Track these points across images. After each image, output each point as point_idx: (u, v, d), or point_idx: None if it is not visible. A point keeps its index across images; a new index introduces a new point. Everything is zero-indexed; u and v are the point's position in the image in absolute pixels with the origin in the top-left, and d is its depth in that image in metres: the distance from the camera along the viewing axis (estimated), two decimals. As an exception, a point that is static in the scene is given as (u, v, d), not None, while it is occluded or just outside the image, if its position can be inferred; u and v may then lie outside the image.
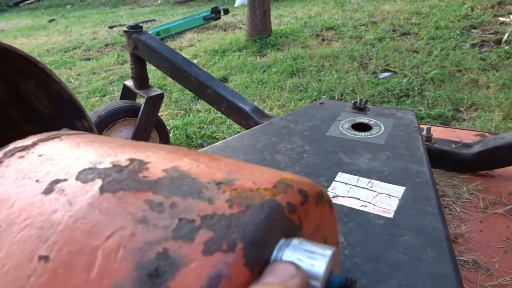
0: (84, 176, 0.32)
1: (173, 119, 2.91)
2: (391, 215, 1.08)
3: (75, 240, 0.27)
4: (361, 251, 0.97)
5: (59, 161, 0.34)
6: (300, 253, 0.26)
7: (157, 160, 0.34)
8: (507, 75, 2.91)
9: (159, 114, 2.19)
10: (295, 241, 0.27)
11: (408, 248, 0.97)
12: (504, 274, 1.15)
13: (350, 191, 1.17)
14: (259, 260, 0.25)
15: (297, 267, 0.25)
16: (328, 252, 0.27)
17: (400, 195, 1.14)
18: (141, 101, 2.13)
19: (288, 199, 0.30)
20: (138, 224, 0.27)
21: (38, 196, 0.30)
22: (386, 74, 3.29)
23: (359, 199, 1.14)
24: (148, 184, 0.30)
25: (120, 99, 2.24)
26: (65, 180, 0.31)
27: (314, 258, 0.26)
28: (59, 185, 0.31)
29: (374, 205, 1.11)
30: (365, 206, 1.11)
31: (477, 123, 2.39)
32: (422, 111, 2.61)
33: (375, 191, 1.16)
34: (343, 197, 1.15)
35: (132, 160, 0.33)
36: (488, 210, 1.40)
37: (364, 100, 1.61)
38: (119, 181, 0.31)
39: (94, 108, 2.92)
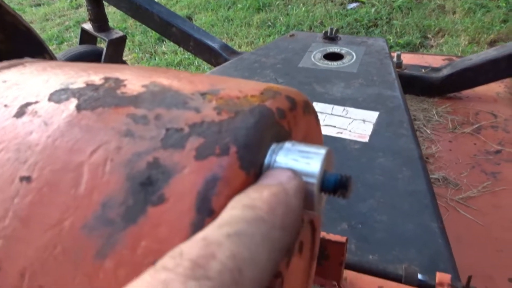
0: (57, 97, 0.29)
1: (138, 63, 2.80)
2: (366, 140, 1.10)
3: (57, 159, 0.25)
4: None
5: (27, 85, 0.32)
6: (295, 153, 0.26)
7: (134, 77, 0.32)
8: (472, 0, 2.91)
9: (123, 58, 2.09)
10: (287, 144, 0.27)
11: (384, 169, 1.01)
12: (472, 187, 1.22)
13: (325, 119, 1.18)
14: (253, 163, 0.25)
15: (294, 171, 0.25)
16: (322, 151, 0.26)
17: (374, 120, 1.16)
18: (102, 45, 2.02)
19: (277, 104, 0.29)
20: (123, 137, 0.25)
21: (10, 120, 0.28)
22: (354, 4, 3.22)
23: (335, 126, 1.15)
24: (128, 100, 0.28)
25: (80, 44, 2.11)
26: (36, 102, 0.29)
27: (309, 157, 0.26)
28: (30, 108, 0.29)
29: (349, 131, 1.13)
30: (341, 133, 1.13)
31: (445, 48, 2.42)
32: (391, 40, 2.60)
33: (350, 117, 1.18)
34: (320, 126, 1.16)
35: (107, 79, 0.31)
36: (457, 130, 1.45)
37: (334, 29, 1.58)
38: (96, 98, 0.29)
39: (53, 56, 2.75)
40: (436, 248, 0.84)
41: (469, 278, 0.71)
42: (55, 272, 0.22)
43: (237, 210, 0.20)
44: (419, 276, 0.74)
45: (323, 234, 0.68)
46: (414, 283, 0.72)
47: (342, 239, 0.67)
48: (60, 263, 0.22)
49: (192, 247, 0.18)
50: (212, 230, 0.19)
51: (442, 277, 0.72)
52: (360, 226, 0.88)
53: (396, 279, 0.73)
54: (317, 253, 0.42)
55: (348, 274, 0.72)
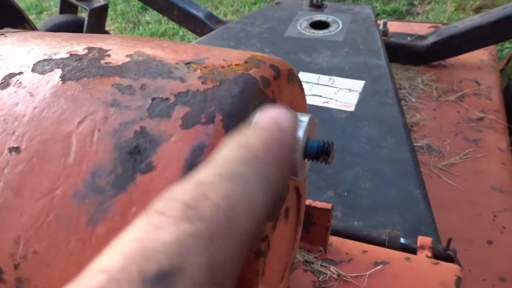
0: (41, 67, 0.29)
1: (121, 33, 2.74)
2: (352, 109, 1.11)
3: (45, 129, 0.26)
4: (325, 144, 1.01)
5: (9, 56, 0.31)
6: (278, 121, 0.26)
7: (118, 47, 0.32)
8: (460, -35, 2.88)
9: (106, 29, 2.04)
10: (272, 112, 0.27)
11: (369, 138, 1.03)
12: (455, 154, 1.25)
13: (312, 89, 1.19)
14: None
15: (287, 108, 0.23)
16: (305, 118, 0.27)
17: (360, 89, 1.16)
18: (83, 15, 1.96)
19: (261, 73, 0.29)
20: (110, 107, 0.26)
21: (-6, 92, 0.28)
22: (341, -30, 3.16)
23: (321, 96, 1.16)
24: (113, 70, 0.28)
25: (60, 13, 2.05)
26: (20, 73, 0.29)
27: (293, 124, 0.26)
28: (14, 79, 0.29)
29: (336, 100, 1.14)
30: (327, 102, 1.14)
31: (431, 15, 2.41)
32: (378, 7, 2.58)
33: (336, 87, 1.18)
34: (305, 95, 1.16)
35: (90, 49, 0.31)
36: (441, 99, 1.47)
37: (321, -4, 1.56)
38: (81, 69, 0.29)
39: (32, 27, 2.67)
40: (419, 214, 0.87)
41: (449, 240, 0.75)
42: (49, 238, 0.23)
43: (229, 149, 0.20)
44: (402, 240, 0.77)
45: (309, 201, 0.70)
46: (396, 247, 0.75)
47: (328, 206, 0.69)
48: (53, 230, 0.23)
49: (184, 189, 0.17)
50: (204, 171, 0.18)
51: (423, 240, 0.75)
52: (346, 193, 0.90)
53: (380, 243, 0.76)
54: (303, 219, 0.43)
55: (333, 239, 0.75)
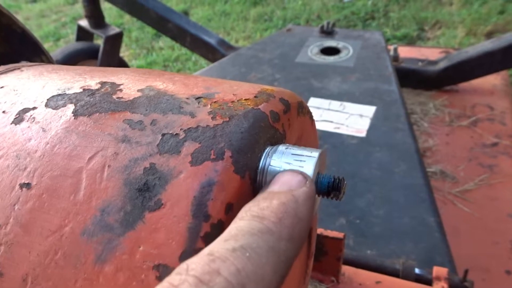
0: (55, 102, 0.30)
1: (135, 59, 2.80)
2: (363, 134, 1.11)
3: (56, 165, 0.26)
4: (337, 170, 1.00)
5: (24, 90, 0.32)
6: (288, 157, 0.26)
7: (130, 81, 0.32)
8: (469, -10, 2.90)
9: (120, 55, 2.09)
10: (281, 147, 0.27)
11: (381, 164, 1.02)
12: (469, 180, 1.23)
13: (323, 114, 1.19)
14: (248, 166, 0.25)
15: (305, 175, 0.24)
16: (315, 154, 0.27)
17: (371, 115, 1.16)
18: (99, 42, 2.02)
19: (271, 107, 0.29)
20: (120, 143, 0.26)
21: (8, 127, 0.29)
22: (351, -3, 3.21)
23: (332, 121, 1.16)
24: (125, 105, 0.29)
25: (76, 41, 2.11)
26: (34, 108, 0.30)
27: (302, 160, 0.26)
28: (28, 114, 0.29)
29: (347, 126, 1.13)
30: (338, 128, 1.14)
31: (442, 40, 2.42)
32: (388, 33, 2.60)
33: (347, 112, 1.18)
34: (316, 121, 1.16)
35: (103, 83, 0.32)
36: (454, 124, 1.46)
37: (331, 23, 1.58)
38: (93, 104, 0.29)
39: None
40: (433, 242, 0.85)
41: (466, 271, 0.72)
42: (57, 276, 0.23)
43: (244, 222, 0.20)
44: (416, 270, 0.75)
45: (321, 230, 0.69)
46: (411, 278, 0.73)
47: (340, 235, 0.68)
48: (61, 268, 0.23)
49: (197, 262, 0.18)
50: (218, 244, 0.19)
51: (439, 271, 0.73)
52: (358, 221, 0.89)
53: (394, 273, 0.74)
54: (314, 251, 0.42)
55: (346, 269, 0.73)
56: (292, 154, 0.27)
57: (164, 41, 2.94)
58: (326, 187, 0.27)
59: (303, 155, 0.26)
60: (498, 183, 1.21)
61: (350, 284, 0.71)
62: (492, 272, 0.98)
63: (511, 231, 1.08)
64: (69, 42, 3.10)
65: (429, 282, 0.72)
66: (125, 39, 3.01)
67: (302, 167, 0.26)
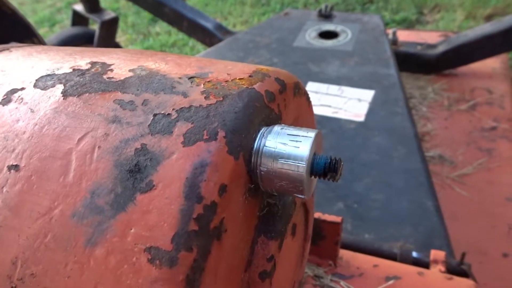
0: (43, 83, 0.29)
1: (132, 44, 2.77)
2: (362, 119, 1.10)
3: (45, 147, 0.25)
4: (335, 154, 1.00)
5: (12, 71, 0.31)
6: (283, 137, 0.26)
7: (121, 61, 0.31)
8: (470, -27, 2.86)
9: (116, 40, 2.06)
10: (276, 128, 0.27)
11: (379, 148, 1.01)
12: (467, 164, 1.22)
13: (321, 99, 1.18)
14: (242, 147, 0.25)
15: None
16: (311, 134, 0.26)
17: (370, 99, 1.15)
18: (95, 27, 1.99)
19: (266, 87, 0.28)
20: (111, 123, 0.25)
21: (-5, 108, 0.28)
22: (350, -20, 3.17)
23: (330, 106, 1.15)
24: (115, 85, 0.28)
25: (72, 26, 2.08)
26: (22, 89, 0.29)
27: (298, 141, 0.25)
28: (16, 95, 0.28)
29: (345, 110, 1.13)
30: (337, 113, 1.13)
31: (441, 24, 2.39)
32: (387, 17, 2.57)
33: (345, 97, 1.17)
34: (314, 105, 1.15)
35: (93, 63, 0.31)
36: (452, 108, 1.45)
37: (329, 6, 1.56)
38: (83, 84, 0.28)
39: (44, 39, 2.71)
40: (431, 226, 0.85)
41: (463, 254, 0.72)
42: (47, 260, 0.23)
43: None
44: (414, 254, 0.75)
45: (318, 214, 0.68)
46: (409, 261, 0.73)
47: (338, 219, 0.68)
48: (51, 251, 0.23)
49: None
50: None
51: (436, 254, 0.73)
52: (356, 205, 0.89)
53: (391, 257, 0.74)
54: (311, 234, 0.42)
55: (344, 253, 0.73)
56: (288, 134, 0.26)
57: (161, 26, 2.90)
58: (323, 168, 0.26)
59: (299, 135, 0.26)
60: (497, 167, 1.21)
61: (348, 268, 0.71)
62: (490, 255, 0.98)
63: (509, 214, 1.08)
64: (64, 28, 3.06)
65: (426, 265, 0.72)
66: (121, 24, 2.98)
67: (298, 147, 0.25)
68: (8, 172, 0.25)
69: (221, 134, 0.24)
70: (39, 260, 0.23)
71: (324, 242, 0.69)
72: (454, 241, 0.86)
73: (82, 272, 0.22)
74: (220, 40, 1.80)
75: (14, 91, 0.29)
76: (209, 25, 1.89)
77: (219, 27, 1.92)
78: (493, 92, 1.50)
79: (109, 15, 1.92)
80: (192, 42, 2.61)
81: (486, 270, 0.95)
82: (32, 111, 0.27)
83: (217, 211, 0.22)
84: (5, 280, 0.23)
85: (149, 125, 0.25)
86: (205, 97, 0.26)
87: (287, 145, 0.25)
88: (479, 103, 1.46)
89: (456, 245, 0.85)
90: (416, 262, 0.73)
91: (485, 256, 0.98)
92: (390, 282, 0.68)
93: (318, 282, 0.68)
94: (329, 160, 0.26)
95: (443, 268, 0.71)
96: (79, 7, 1.98)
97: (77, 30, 1.96)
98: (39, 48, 0.36)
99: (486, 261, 0.97)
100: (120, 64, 0.31)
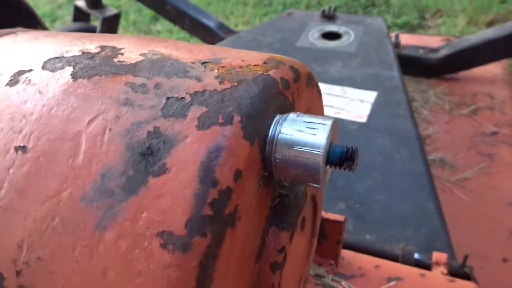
0: (52, 65, 0.28)
1: (133, 42, 2.76)
2: (364, 120, 1.09)
3: (53, 128, 0.24)
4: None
5: (20, 53, 0.30)
6: (300, 124, 0.25)
7: (131, 46, 0.31)
8: (472, -21, 2.87)
9: (117, 36, 2.05)
10: (292, 115, 0.26)
11: (382, 149, 1.00)
12: (468, 168, 1.22)
13: (323, 99, 1.17)
14: (258, 133, 0.24)
15: None
16: (328, 121, 0.25)
17: (372, 100, 1.15)
18: (96, 23, 1.98)
19: (281, 74, 0.28)
20: (122, 106, 0.24)
21: (2, 89, 0.27)
22: (352, -17, 3.17)
23: (332, 106, 1.14)
24: (126, 68, 0.27)
25: (73, 21, 2.07)
26: (30, 70, 0.28)
27: (315, 128, 0.25)
28: (24, 76, 0.28)
29: (347, 111, 1.12)
30: (339, 113, 1.12)
31: (442, 29, 2.40)
32: (389, 20, 2.57)
33: (348, 97, 1.16)
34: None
35: (103, 47, 0.30)
36: (454, 112, 1.45)
37: (333, 7, 1.56)
38: (93, 67, 0.27)
39: (45, 35, 2.69)
40: (433, 228, 0.85)
41: (465, 257, 0.72)
42: (54, 244, 0.22)
43: None
44: (416, 255, 0.74)
45: (321, 213, 0.68)
46: (410, 263, 0.73)
47: (341, 218, 0.67)
48: (59, 235, 0.22)
49: None
50: None
51: (438, 256, 0.73)
52: (357, 206, 0.88)
53: (393, 258, 0.74)
54: (318, 230, 0.41)
55: (345, 253, 0.72)
56: (304, 121, 0.25)
57: (162, 25, 2.90)
58: (339, 157, 0.25)
59: (316, 123, 0.25)
60: (497, 171, 1.21)
61: (349, 268, 0.70)
62: (490, 259, 0.98)
63: (509, 219, 1.07)
64: (65, 24, 3.05)
65: (428, 267, 0.72)
66: (122, 21, 2.97)
67: (315, 135, 0.24)
68: (15, 153, 0.24)
69: (237, 118, 0.23)
70: (46, 244, 0.22)
71: (326, 241, 0.69)
72: (455, 245, 0.86)
73: (91, 256, 0.21)
74: (222, 39, 1.79)
75: (21, 72, 0.28)
76: (211, 24, 1.89)
77: (222, 25, 1.91)
78: (494, 97, 1.50)
79: (111, 11, 1.91)
80: (194, 40, 2.61)
81: (486, 274, 0.94)
82: (40, 92, 0.26)
83: (232, 197, 0.21)
84: (10, 264, 0.22)
85: (162, 108, 0.24)
86: (219, 82, 0.25)
87: (304, 133, 0.25)
88: (480, 107, 1.45)
89: (456, 249, 0.85)
90: (418, 264, 0.73)
91: (485, 260, 0.98)
92: (392, 283, 0.67)
93: (319, 282, 0.68)
94: (345, 149, 0.25)
95: (445, 270, 0.70)
96: (80, 3, 1.97)
97: (78, 25, 1.95)
98: (46, 32, 0.35)
99: (486, 266, 0.97)
100: (131, 48, 0.30)
